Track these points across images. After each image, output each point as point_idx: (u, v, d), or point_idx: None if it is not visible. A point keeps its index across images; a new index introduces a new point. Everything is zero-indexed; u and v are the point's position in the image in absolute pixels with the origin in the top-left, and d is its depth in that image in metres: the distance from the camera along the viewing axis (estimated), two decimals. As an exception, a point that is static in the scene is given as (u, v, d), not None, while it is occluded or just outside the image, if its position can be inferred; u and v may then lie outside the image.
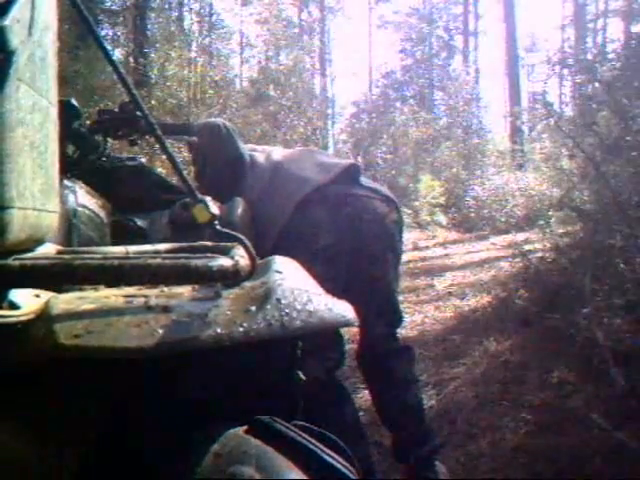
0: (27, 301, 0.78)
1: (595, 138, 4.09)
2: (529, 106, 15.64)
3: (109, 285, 0.84)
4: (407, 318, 4.00)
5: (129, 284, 0.80)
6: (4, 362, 0.73)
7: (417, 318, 4.68)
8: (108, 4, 10.62)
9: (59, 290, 0.84)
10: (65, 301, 0.77)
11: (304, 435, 0.78)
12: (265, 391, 0.87)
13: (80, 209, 1.35)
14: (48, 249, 0.91)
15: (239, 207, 1.84)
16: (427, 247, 8.86)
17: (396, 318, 2.15)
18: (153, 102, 8.82)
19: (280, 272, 0.85)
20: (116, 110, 1.81)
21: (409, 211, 10.14)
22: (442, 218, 11.07)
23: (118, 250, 0.95)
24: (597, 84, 4.79)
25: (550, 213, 5.24)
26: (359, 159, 11.76)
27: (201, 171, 2.00)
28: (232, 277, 0.80)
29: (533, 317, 3.80)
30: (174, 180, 2.04)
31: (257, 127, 10.75)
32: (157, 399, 0.81)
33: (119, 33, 10.89)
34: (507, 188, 11.00)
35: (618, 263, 3.28)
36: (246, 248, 0.86)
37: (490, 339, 3.69)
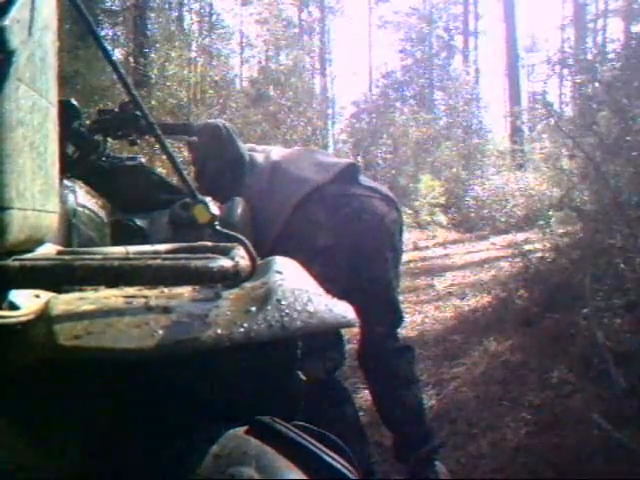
0: (27, 302, 0.78)
1: (595, 138, 4.09)
2: (529, 106, 15.63)
3: (109, 286, 0.84)
4: (407, 318, 4.00)
5: (129, 285, 0.80)
6: (4, 362, 0.72)
7: (417, 318, 4.68)
8: (108, 4, 10.61)
9: (59, 291, 0.84)
10: (65, 302, 0.77)
11: (304, 436, 0.78)
12: (265, 392, 0.87)
13: (80, 209, 1.35)
14: (48, 250, 0.91)
15: (239, 207, 1.84)
16: (427, 247, 8.86)
17: (396, 318, 2.15)
18: (153, 102, 8.82)
19: (280, 272, 0.85)
20: (116, 110, 1.81)
21: (409, 211, 10.14)
22: (442, 218, 11.07)
23: (118, 251, 0.95)
24: (597, 84, 4.79)
25: (550, 213, 5.24)
26: (359, 159, 11.76)
27: (201, 171, 2.00)
28: (232, 278, 0.80)
29: (533, 317, 3.80)
30: (174, 180, 2.04)
31: (257, 127, 10.74)
32: (157, 399, 0.80)
33: (119, 33, 10.89)
34: (507, 188, 11.01)
35: (618, 263, 3.28)
36: (246, 248, 0.86)
37: (490, 339, 3.69)
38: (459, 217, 11.48)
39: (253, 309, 0.77)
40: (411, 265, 6.99)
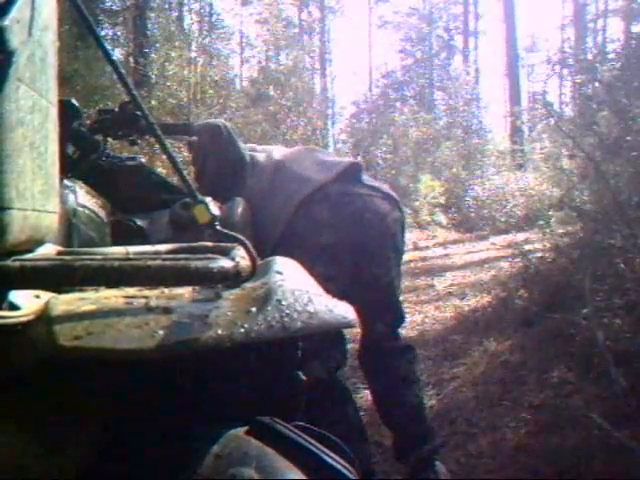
0: (27, 302, 0.78)
1: (595, 138, 4.09)
2: (529, 106, 15.65)
3: (109, 286, 0.84)
4: (407, 318, 3.98)
5: (129, 285, 0.80)
6: (4, 363, 0.72)
7: (417, 318, 4.68)
8: (108, 4, 10.61)
9: (59, 291, 0.84)
10: (65, 302, 0.77)
11: (304, 436, 0.78)
12: (266, 392, 0.87)
13: (80, 209, 1.35)
14: (48, 250, 0.91)
15: (239, 207, 1.84)
16: (427, 247, 8.87)
17: (397, 317, 2.15)
18: (153, 102, 8.82)
19: (281, 273, 0.85)
20: (116, 110, 1.81)
21: (409, 211, 10.13)
22: (442, 218, 11.07)
23: (118, 251, 0.95)
24: (597, 84, 4.79)
25: (550, 213, 5.24)
26: (359, 159, 11.75)
27: (201, 171, 2.00)
28: (233, 278, 0.80)
29: (533, 317, 3.80)
30: (174, 180, 2.04)
31: (257, 127, 10.74)
32: (158, 400, 0.80)
33: (119, 33, 10.89)
34: (507, 188, 11.02)
35: (618, 263, 3.28)
36: (247, 249, 0.86)
37: (490, 339, 3.69)
38: (459, 217, 11.48)
39: (253, 309, 0.77)
40: (411, 265, 6.99)
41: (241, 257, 0.83)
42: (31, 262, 0.74)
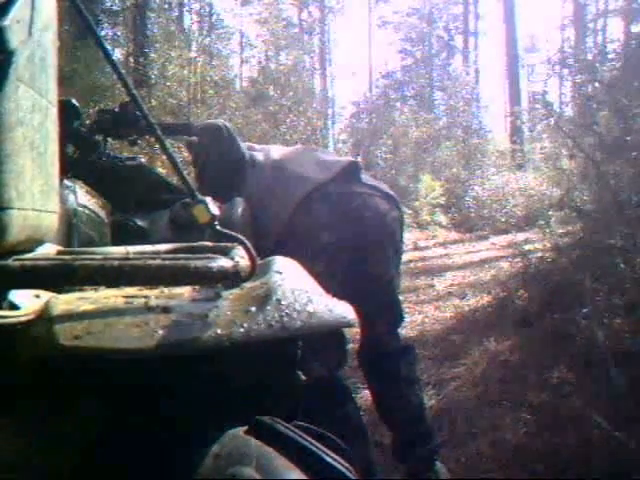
0: (27, 302, 0.78)
1: (595, 138, 4.09)
2: (529, 106, 15.63)
3: (109, 286, 0.84)
4: (407, 318, 3.99)
5: (129, 285, 0.80)
6: (4, 363, 0.72)
7: (417, 318, 4.68)
8: (108, 4, 10.61)
9: (59, 291, 0.84)
10: (65, 302, 0.77)
11: (304, 436, 0.78)
12: (265, 392, 0.87)
13: (80, 209, 1.35)
14: (48, 250, 0.91)
15: (239, 207, 1.84)
16: (427, 247, 8.86)
17: (397, 317, 2.15)
18: (153, 102, 8.82)
19: (280, 273, 0.85)
20: (116, 110, 1.81)
21: (409, 211, 10.13)
22: (442, 218, 11.06)
23: (118, 251, 0.95)
24: (597, 84, 4.79)
25: (550, 213, 5.23)
26: (359, 159, 11.73)
27: (202, 171, 2.00)
28: (232, 278, 0.80)
29: (533, 317, 3.80)
30: (174, 180, 2.04)
31: (257, 127, 10.74)
32: (157, 399, 0.80)
33: (119, 33, 10.89)
34: (507, 188, 11.01)
35: (618, 263, 3.28)
36: (246, 249, 0.86)
37: (490, 339, 3.69)
38: (459, 217, 11.47)
39: (253, 309, 0.77)
40: (411, 265, 6.99)
41: (241, 257, 0.83)
42: (31, 262, 0.74)
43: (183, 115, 9.47)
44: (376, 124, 14.44)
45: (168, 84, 9.78)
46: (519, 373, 3.19)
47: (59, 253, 0.92)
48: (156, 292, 0.82)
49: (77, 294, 0.82)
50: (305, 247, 1.82)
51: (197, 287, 0.84)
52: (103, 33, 9.75)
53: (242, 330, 0.74)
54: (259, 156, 2.05)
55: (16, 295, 0.78)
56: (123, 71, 0.93)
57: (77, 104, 1.69)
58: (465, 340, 3.94)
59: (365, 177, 2.12)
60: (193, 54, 10.67)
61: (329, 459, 0.76)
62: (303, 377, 0.89)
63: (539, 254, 4.61)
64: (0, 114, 0.71)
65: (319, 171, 2.00)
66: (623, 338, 2.87)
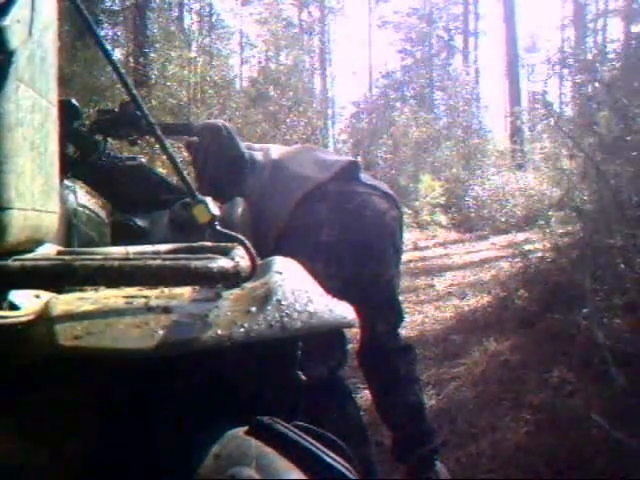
0: (27, 302, 0.78)
1: (595, 138, 4.09)
2: (529, 106, 15.63)
3: (109, 286, 0.84)
4: (407, 318, 4.00)
5: (129, 285, 0.80)
6: (4, 363, 0.72)
7: (417, 318, 4.68)
8: (108, 4, 10.61)
9: (59, 291, 0.84)
10: (65, 302, 0.77)
11: (304, 436, 0.78)
12: (265, 392, 0.87)
13: (80, 209, 1.35)
14: (48, 250, 0.91)
15: (239, 207, 1.84)
16: (427, 247, 8.87)
17: (397, 316, 2.15)
18: (153, 102, 8.82)
19: (281, 273, 0.85)
20: (116, 110, 1.81)
21: (409, 211, 10.13)
22: (442, 218, 11.07)
23: (118, 251, 0.95)
24: (597, 84, 4.79)
25: (550, 213, 5.24)
26: (359, 159, 11.73)
27: (202, 171, 2.00)
28: (232, 278, 0.80)
29: (533, 317, 3.81)
30: (174, 180, 2.04)
31: (257, 127, 10.74)
32: (157, 400, 0.80)
33: (119, 33, 10.89)
34: (507, 188, 11.01)
35: (618, 263, 3.28)
36: (246, 249, 0.86)
37: (490, 339, 3.69)
38: (459, 217, 11.47)
39: (253, 309, 0.77)
40: (411, 265, 6.99)
41: (241, 257, 0.83)
42: (31, 262, 0.74)
43: (183, 115, 9.47)
44: (376, 124, 14.44)
45: (168, 84, 9.78)
46: (519, 373, 3.19)
47: (59, 253, 0.92)
48: (156, 292, 0.82)
49: (77, 294, 0.82)
50: (305, 247, 1.82)
51: (197, 287, 0.84)
52: (103, 33, 9.75)
53: (242, 330, 0.74)
54: (259, 156, 2.05)
55: (16, 295, 0.78)
56: (123, 71, 0.93)
57: (77, 104, 1.68)
58: (465, 340, 3.94)
59: (364, 177, 2.12)
60: (193, 54, 10.67)
61: (329, 459, 0.76)
62: (303, 377, 0.89)
63: (539, 254, 4.61)
64: (0, 114, 0.71)
65: (318, 170, 2.00)
66: (623, 338, 2.87)
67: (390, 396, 2.11)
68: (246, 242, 0.87)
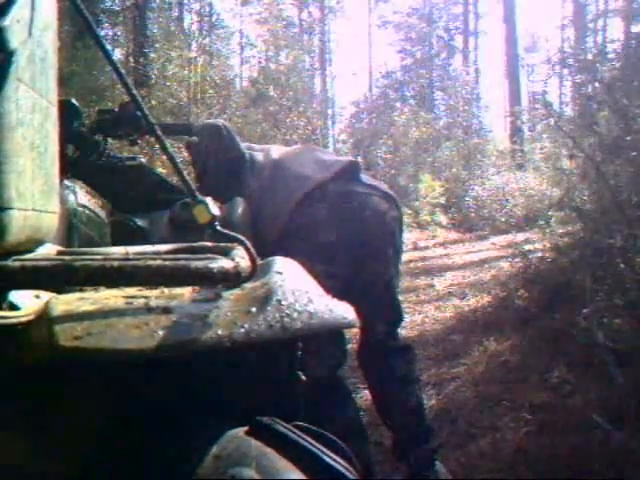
0: (27, 302, 0.78)
1: (595, 138, 4.09)
2: (529, 106, 15.64)
3: (109, 286, 0.84)
4: (407, 318, 4.00)
5: (129, 285, 0.80)
6: (4, 363, 0.72)
7: (417, 318, 4.68)
8: (108, 4, 10.60)
9: (59, 291, 0.84)
10: (65, 302, 0.77)
11: (304, 436, 0.78)
12: (265, 392, 0.87)
13: (80, 209, 1.35)
14: (48, 250, 0.91)
15: (239, 207, 1.84)
16: (427, 247, 8.87)
17: (396, 316, 2.15)
18: (153, 102, 8.81)
19: (281, 273, 0.85)
20: (116, 110, 1.81)
21: (409, 211, 10.13)
22: (442, 218, 11.06)
23: (118, 251, 0.95)
24: (597, 84, 4.79)
25: (550, 213, 5.24)
26: (359, 159, 11.72)
27: (202, 171, 2.00)
28: (233, 278, 0.80)
29: (533, 317, 3.81)
30: (174, 180, 2.04)
31: (257, 127, 10.74)
32: (157, 400, 0.80)
33: (119, 33, 10.88)
34: (507, 188, 11.01)
35: (618, 263, 3.28)
36: (247, 249, 0.86)
37: (490, 339, 3.69)
38: (459, 217, 11.47)
39: (253, 310, 0.77)
40: (411, 265, 6.99)
41: (241, 257, 0.83)
42: (31, 262, 0.74)
43: (183, 115, 9.47)
44: (376, 124, 14.44)
45: (168, 84, 9.78)
46: (519, 373, 3.19)
47: (59, 253, 0.92)
48: (156, 293, 0.82)
49: (77, 295, 0.82)
50: (305, 246, 1.82)
51: (197, 288, 0.84)
52: (103, 33, 9.74)
53: (242, 331, 0.74)
54: (259, 156, 2.05)
55: (16, 295, 0.78)
56: (123, 71, 0.93)
57: (77, 104, 1.69)
58: (465, 340, 3.94)
59: (364, 177, 2.12)
60: (193, 54, 10.66)
61: (329, 459, 0.76)
62: (303, 377, 0.89)
63: (539, 254, 4.61)
64: (0, 114, 0.71)
65: (319, 170, 2.01)
66: (623, 338, 2.87)
67: (390, 396, 2.11)
68: (246, 242, 0.87)
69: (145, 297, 0.79)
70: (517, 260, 4.87)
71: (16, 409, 0.76)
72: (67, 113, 1.58)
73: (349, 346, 2.14)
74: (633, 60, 4.49)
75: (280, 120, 11.53)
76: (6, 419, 0.76)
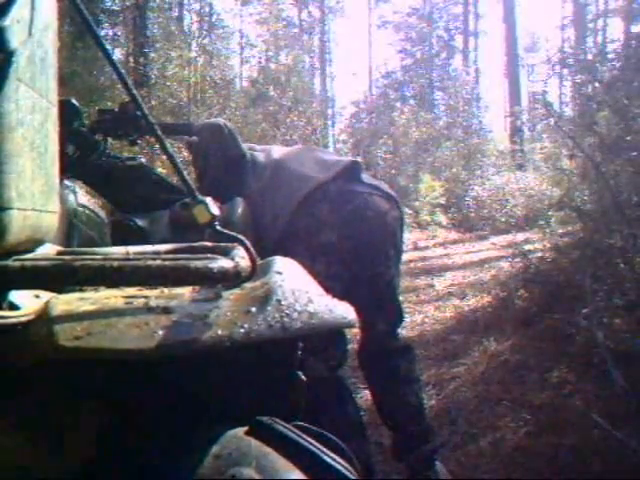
0: (27, 302, 0.78)
1: (595, 138, 4.09)
2: (529, 106, 15.63)
3: (109, 286, 0.84)
4: (407, 318, 4.01)
5: (129, 285, 0.80)
6: (4, 362, 0.72)
7: (417, 318, 4.68)
8: (108, 4, 10.60)
9: (59, 291, 0.84)
10: (65, 302, 0.77)
11: (304, 436, 0.78)
12: (266, 392, 0.87)
13: (80, 209, 1.35)
14: (48, 250, 0.91)
15: (239, 207, 1.84)
16: (427, 247, 8.87)
17: (397, 316, 2.15)
18: (153, 102, 8.82)
19: (281, 273, 0.85)
20: (116, 110, 1.81)
21: (409, 211, 10.13)
22: (442, 218, 11.07)
23: (118, 251, 0.95)
24: (597, 84, 4.79)
25: (550, 213, 5.24)
26: (359, 159, 11.70)
27: (202, 171, 2.00)
28: (233, 278, 0.80)
29: (533, 317, 3.81)
30: (174, 180, 2.04)
31: (257, 127, 10.74)
32: (157, 400, 0.80)
33: (119, 33, 10.88)
34: (507, 188, 11.02)
35: (618, 263, 3.29)
36: (246, 249, 0.86)
37: (490, 339, 3.69)
38: (459, 217, 11.47)
39: (253, 309, 0.77)
40: (411, 265, 6.99)
41: (241, 257, 0.83)
42: (31, 262, 0.74)
43: (183, 115, 9.47)
44: (376, 124, 14.43)
45: (168, 84, 9.78)
46: (519, 373, 3.19)
47: (59, 253, 0.92)
48: (156, 292, 0.82)
49: (77, 294, 0.82)
50: (305, 246, 1.82)
51: (197, 287, 0.84)
52: (103, 33, 9.74)
53: (242, 331, 0.74)
54: (260, 156, 2.05)
55: (16, 295, 0.78)
56: (123, 71, 0.93)
57: (77, 104, 1.69)
58: (465, 340, 3.94)
59: (366, 177, 2.12)
60: (193, 54, 10.66)
61: (329, 459, 0.76)
62: (303, 377, 0.89)
63: (539, 254, 4.61)
64: (0, 114, 0.71)
65: (320, 170, 2.00)
66: (623, 338, 2.87)
67: (390, 396, 2.11)
68: (246, 242, 0.87)
69: (145, 297, 0.79)
70: (517, 260, 4.87)
71: (16, 409, 0.76)
72: (67, 113, 1.58)
73: (349, 346, 2.14)
74: (633, 60, 4.49)
75: (280, 120, 11.53)
76: (6, 419, 0.76)
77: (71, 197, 1.33)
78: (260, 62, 14.86)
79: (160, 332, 0.71)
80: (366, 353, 2.13)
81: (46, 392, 0.76)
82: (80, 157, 1.68)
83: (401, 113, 14.55)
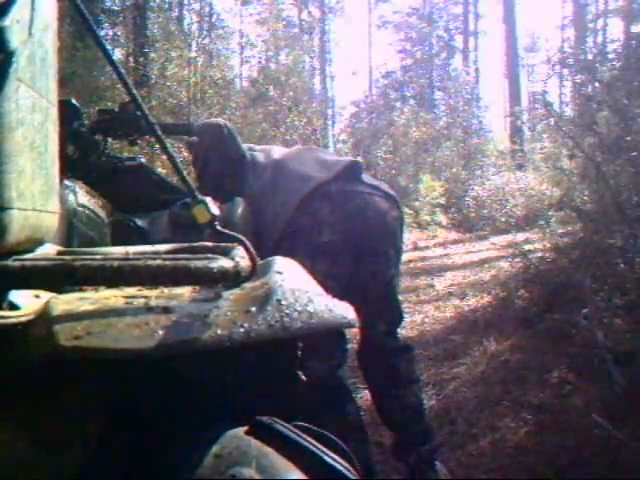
0: (27, 302, 0.78)
1: (595, 138, 4.09)
2: (529, 106, 15.64)
3: (109, 286, 0.84)
4: (407, 318, 4.00)
5: (129, 285, 0.80)
6: (4, 362, 0.72)
7: (417, 318, 4.68)
8: (108, 4, 10.60)
9: (59, 291, 0.84)
10: (65, 302, 0.77)
11: (304, 436, 0.78)
12: (266, 392, 0.87)
13: (80, 209, 1.35)
14: (48, 250, 0.91)
15: (239, 207, 1.84)
16: (427, 247, 8.87)
17: (396, 316, 2.15)
18: (153, 102, 8.82)
19: (281, 273, 0.85)
20: (116, 110, 1.81)
21: (409, 211, 10.13)
22: (442, 218, 11.07)
23: (118, 251, 0.95)
24: (597, 84, 4.79)
25: (550, 213, 5.24)
26: (359, 159, 11.70)
27: (202, 171, 2.00)
28: (233, 278, 0.80)
29: (533, 317, 3.81)
30: (174, 180, 2.04)
31: (257, 127, 10.74)
32: (157, 400, 0.80)
33: (119, 33, 10.88)
34: (507, 188, 11.01)
35: (618, 263, 3.29)
36: (246, 249, 0.86)
37: (490, 339, 3.69)
38: (459, 217, 11.47)
39: (253, 309, 0.77)
40: (411, 265, 6.99)
41: (241, 257, 0.83)
42: (31, 262, 0.74)
43: (183, 115, 9.47)
44: (376, 124, 14.44)
45: (168, 84, 9.78)
46: (519, 373, 3.19)
47: (59, 253, 0.92)
48: (156, 292, 0.82)
49: (77, 294, 0.82)
50: (306, 246, 1.83)
51: (197, 287, 0.84)
52: (103, 33, 9.73)
53: (242, 330, 0.74)
54: (260, 156, 2.06)
55: (16, 295, 0.78)
56: (123, 71, 0.93)
57: (77, 104, 1.69)
58: (465, 340, 3.94)
59: (366, 177, 2.12)
60: (193, 54, 10.66)
61: (329, 459, 0.76)
62: (303, 377, 0.89)
63: (539, 254, 4.61)
64: (0, 114, 0.71)
65: (320, 170, 2.01)
66: (623, 338, 2.87)
67: (390, 396, 2.11)
68: (246, 242, 0.87)
69: (145, 297, 0.79)
70: (517, 260, 4.87)
71: (16, 409, 0.76)
72: (67, 113, 1.58)
73: (349, 346, 2.14)
74: (633, 60, 4.49)
75: (280, 120, 11.52)
76: (6, 418, 0.76)
77: (71, 197, 1.33)
78: (260, 62, 14.85)
79: (160, 332, 0.71)
80: (366, 353, 2.13)
81: (46, 392, 0.76)
82: (80, 157, 1.69)
83: (401, 113, 14.55)
